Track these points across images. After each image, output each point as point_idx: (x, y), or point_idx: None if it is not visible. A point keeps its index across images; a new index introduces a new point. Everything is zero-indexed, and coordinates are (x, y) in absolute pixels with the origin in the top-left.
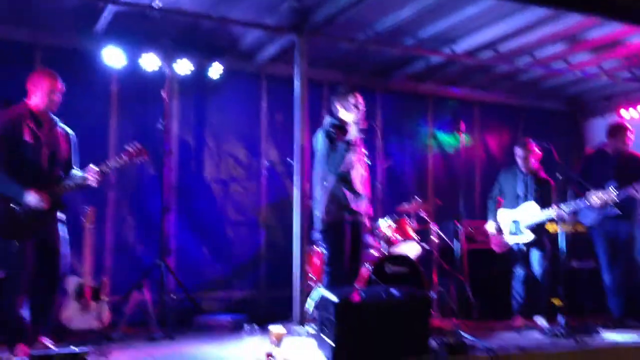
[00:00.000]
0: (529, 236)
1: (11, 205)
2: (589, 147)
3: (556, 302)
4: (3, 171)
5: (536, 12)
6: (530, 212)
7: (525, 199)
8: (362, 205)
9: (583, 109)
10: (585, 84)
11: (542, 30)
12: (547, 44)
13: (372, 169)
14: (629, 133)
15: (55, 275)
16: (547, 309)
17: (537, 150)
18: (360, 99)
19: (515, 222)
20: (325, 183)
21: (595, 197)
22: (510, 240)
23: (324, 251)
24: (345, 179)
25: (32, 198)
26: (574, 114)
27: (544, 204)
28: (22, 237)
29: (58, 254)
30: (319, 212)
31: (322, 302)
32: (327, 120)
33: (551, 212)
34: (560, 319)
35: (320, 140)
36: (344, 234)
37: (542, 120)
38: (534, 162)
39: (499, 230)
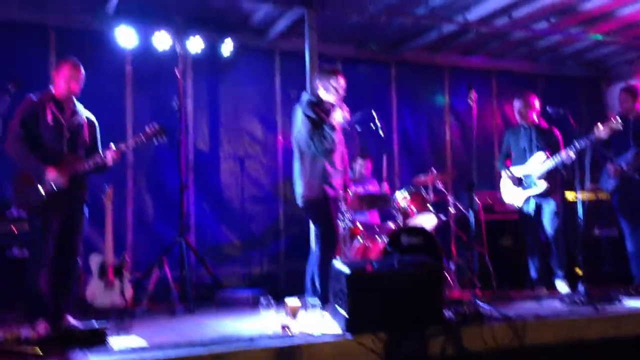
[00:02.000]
0: (542, 185)
1: (36, 182)
2: (611, 114)
3: (577, 270)
4: (27, 149)
5: None
6: (539, 162)
7: (531, 151)
8: (340, 180)
9: (607, 75)
10: (606, 48)
11: None
12: (564, 8)
13: (388, 142)
14: (635, 93)
15: (74, 253)
16: (567, 274)
17: (536, 103)
18: (342, 83)
19: (526, 176)
20: (306, 161)
21: (601, 128)
22: (523, 195)
23: (312, 226)
24: (328, 158)
25: (50, 174)
26: (597, 80)
27: (551, 152)
28: (47, 214)
29: (80, 233)
30: (300, 189)
31: (335, 274)
32: (306, 97)
33: (560, 155)
34: (581, 287)
35: (300, 118)
36: (329, 208)
37: (562, 88)
38: (532, 115)
39: (513, 179)
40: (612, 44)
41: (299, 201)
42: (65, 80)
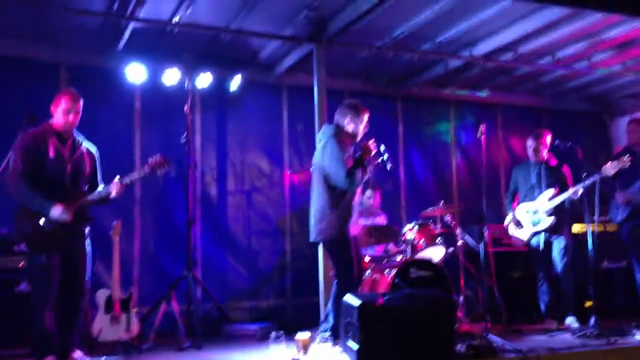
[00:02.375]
0: (549, 220)
1: (38, 218)
2: (617, 147)
3: (587, 303)
4: (29, 186)
5: (555, 12)
6: (547, 199)
7: (540, 188)
8: (357, 218)
9: (610, 109)
10: (611, 82)
11: (561, 30)
12: (568, 43)
13: (395, 175)
14: None
15: (80, 289)
16: (576, 309)
17: (548, 141)
18: (366, 119)
19: (534, 212)
20: (333, 195)
21: (610, 166)
22: (531, 231)
23: (333, 263)
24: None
25: (56, 211)
26: (601, 114)
27: (560, 189)
28: (49, 250)
29: (83, 268)
30: (321, 224)
31: (346, 308)
32: (331, 129)
33: (568, 192)
34: (592, 320)
35: (331, 150)
36: (350, 246)
37: (567, 122)
38: (544, 152)
39: (517, 223)
40: (616, 77)
41: (316, 235)
42: (64, 112)
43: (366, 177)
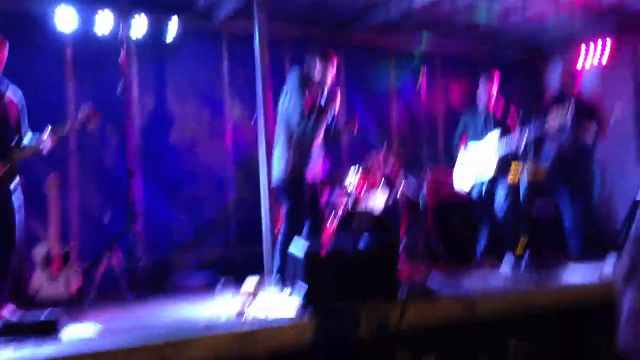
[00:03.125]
0: (491, 170)
1: None
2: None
3: (520, 244)
4: None
5: None
6: (494, 140)
7: (487, 132)
8: (319, 167)
9: (542, 55)
10: (542, 27)
11: None
12: None
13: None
14: (570, 67)
15: (10, 243)
16: (511, 252)
17: (494, 90)
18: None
19: (479, 159)
20: (292, 140)
21: (552, 123)
22: (474, 179)
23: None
24: (313, 142)
25: None
26: (533, 60)
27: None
28: None
29: (13, 224)
30: (279, 168)
31: (291, 259)
32: (298, 72)
33: (511, 141)
34: (524, 259)
35: (293, 93)
36: (302, 190)
37: (502, 71)
38: (491, 102)
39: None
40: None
41: (273, 182)
42: None
43: (323, 124)
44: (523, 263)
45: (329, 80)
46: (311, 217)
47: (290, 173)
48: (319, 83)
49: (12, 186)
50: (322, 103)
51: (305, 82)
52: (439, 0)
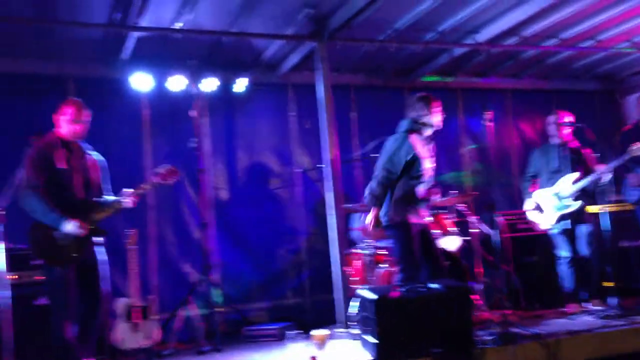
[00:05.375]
0: (576, 204)
1: (52, 232)
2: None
3: (606, 283)
4: (42, 198)
5: None
6: (571, 182)
7: (563, 171)
8: (425, 210)
9: (620, 87)
10: (618, 60)
11: (564, 10)
12: (572, 23)
13: None
14: None
15: (96, 297)
16: (598, 291)
17: (568, 119)
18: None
19: (556, 195)
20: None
21: (636, 148)
22: (555, 216)
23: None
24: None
25: (71, 226)
26: (611, 92)
27: (584, 171)
28: (64, 262)
29: (97, 277)
30: (385, 209)
31: (363, 302)
32: (406, 125)
33: (593, 175)
34: (612, 300)
35: (398, 142)
36: (410, 234)
37: (577, 103)
38: (565, 130)
39: (538, 208)
40: (624, 56)
41: (383, 219)
42: (69, 121)
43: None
44: (612, 301)
45: (435, 125)
46: (429, 261)
47: (394, 217)
48: (428, 128)
49: (95, 243)
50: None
51: (413, 128)
52: (503, 34)
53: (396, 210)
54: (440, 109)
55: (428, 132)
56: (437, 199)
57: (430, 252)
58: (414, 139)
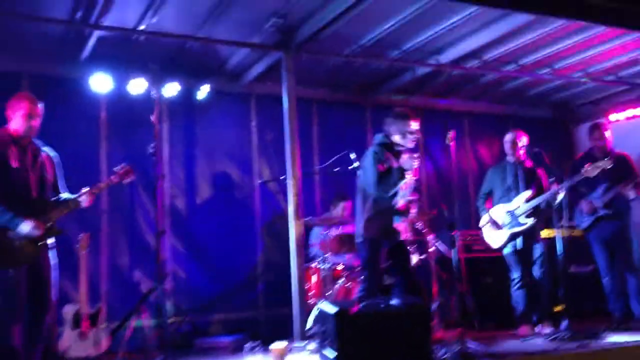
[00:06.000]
0: (528, 222)
1: (7, 233)
2: (579, 153)
3: (558, 307)
4: None
5: (519, 19)
6: (524, 200)
7: (517, 189)
8: (403, 225)
9: (572, 116)
10: (573, 89)
11: (525, 37)
12: (531, 50)
13: None
14: (604, 130)
15: (45, 303)
16: (549, 314)
17: (524, 140)
18: (415, 127)
19: (510, 212)
20: (368, 201)
21: (590, 168)
22: (506, 234)
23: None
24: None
25: (26, 226)
26: (563, 121)
27: (536, 190)
28: (16, 265)
29: (48, 282)
30: (359, 227)
31: (322, 316)
32: (378, 139)
33: (546, 194)
34: (563, 323)
35: (369, 159)
36: (378, 250)
37: (531, 129)
38: (521, 151)
39: (494, 224)
40: (578, 85)
41: (357, 239)
42: (24, 116)
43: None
44: (563, 324)
45: (410, 140)
46: (402, 276)
47: (365, 232)
48: (398, 144)
49: (49, 244)
50: (402, 165)
51: (383, 148)
52: (465, 56)
53: (366, 227)
54: (417, 124)
55: (405, 145)
56: (414, 212)
57: (404, 267)
58: (387, 152)
